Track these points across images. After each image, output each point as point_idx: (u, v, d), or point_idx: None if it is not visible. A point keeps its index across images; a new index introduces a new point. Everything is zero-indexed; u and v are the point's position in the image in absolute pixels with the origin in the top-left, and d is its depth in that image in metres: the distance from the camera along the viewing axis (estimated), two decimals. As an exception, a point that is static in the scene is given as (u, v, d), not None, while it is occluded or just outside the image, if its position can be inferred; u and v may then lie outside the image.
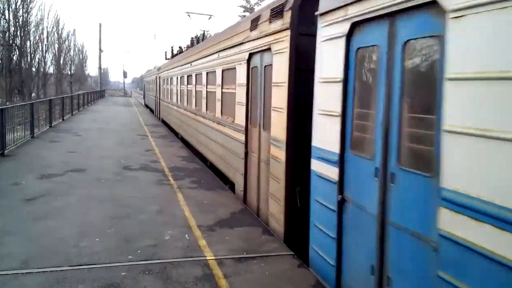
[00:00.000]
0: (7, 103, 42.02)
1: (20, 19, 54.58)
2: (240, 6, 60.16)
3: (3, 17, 50.23)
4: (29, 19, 56.87)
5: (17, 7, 53.34)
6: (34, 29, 60.13)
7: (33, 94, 61.46)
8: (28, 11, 56.05)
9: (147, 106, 38.33)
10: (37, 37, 62.75)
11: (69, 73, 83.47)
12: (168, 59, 24.66)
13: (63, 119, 20.43)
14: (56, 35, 72.76)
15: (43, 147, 12.44)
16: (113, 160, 10.73)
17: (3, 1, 49.32)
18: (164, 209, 6.77)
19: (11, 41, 50.47)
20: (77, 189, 7.67)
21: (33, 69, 62.49)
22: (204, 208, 6.93)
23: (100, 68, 59.41)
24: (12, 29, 52.66)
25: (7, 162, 9.94)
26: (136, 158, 11.26)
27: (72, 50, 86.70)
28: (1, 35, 49.04)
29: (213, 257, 4.92)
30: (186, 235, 5.63)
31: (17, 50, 53.63)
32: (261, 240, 5.63)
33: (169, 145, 14.37)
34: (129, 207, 6.77)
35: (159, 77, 25.71)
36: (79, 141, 14.01)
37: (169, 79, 19.69)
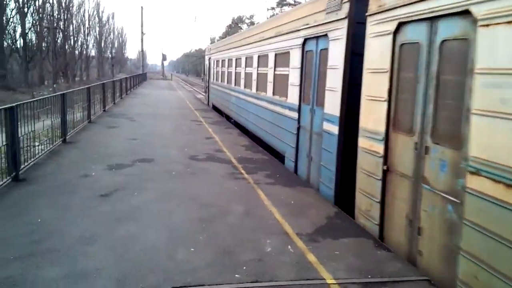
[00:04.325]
0: (54, 85, 42.96)
1: (63, 3, 55.51)
2: None
3: (48, 0, 51.14)
4: (71, 2, 57.83)
5: (60, -11, 54.03)
6: (76, 12, 61.21)
7: (76, 77, 62.99)
8: (70, -6, 56.84)
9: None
10: (79, 20, 63.96)
11: (109, 56, 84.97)
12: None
13: (114, 103, 20.20)
14: (96, 18, 74.05)
15: (103, 133, 12.03)
16: (176, 149, 10.11)
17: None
18: (251, 210, 6.00)
19: (55, 24, 51.44)
20: (151, 183, 7.05)
21: (76, 52, 63.90)
22: (293, 210, 6.12)
23: (142, 51, 59.65)
24: (55, 12, 53.69)
25: (71, 149, 9.51)
26: (198, 146, 10.61)
27: (112, 33, 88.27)
28: (47, 18, 49.92)
29: (334, 281, 4.08)
30: (289, 247, 4.82)
31: (60, 33, 54.74)
32: (377, 256, 4.73)
33: (226, 132, 13.67)
34: (212, 206, 6.05)
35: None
36: (136, 127, 13.55)
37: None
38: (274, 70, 9.84)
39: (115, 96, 20.98)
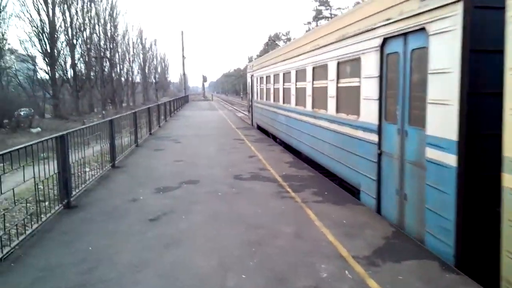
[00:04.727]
0: (103, 112, 45.14)
1: (109, 33, 58.78)
2: None
3: (94, 31, 54.38)
4: (116, 32, 61.11)
5: (105, 21, 57.39)
6: (121, 41, 64.51)
7: (123, 103, 66.00)
8: (115, 25, 60.21)
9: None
10: (124, 48, 67.30)
11: (153, 81, 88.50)
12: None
13: (159, 126, 20.72)
14: (140, 45, 77.65)
15: (149, 156, 12.25)
16: (221, 169, 10.04)
17: (93, 17, 53.28)
18: (301, 231, 5.70)
19: (102, 54, 54.45)
20: (197, 205, 6.95)
21: (122, 79, 67.15)
22: (347, 230, 5.74)
23: (184, 74, 61.54)
24: (102, 42, 56.91)
25: (119, 174, 9.70)
26: (242, 165, 10.48)
27: (155, 59, 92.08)
28: (94, 48, 52.93)
29: (401, 310, 3.69)
30: (346, 272, 4.47)
31: (107, 61, 57.83)
32: (446, 280, 4.27)
33: (269, 149, 13.47)
34: (260, 228, 5.82)
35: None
36: (181, 148, 13.71)
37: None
38: (337, 82, 8.26)
39: (160, 119, 21.54)
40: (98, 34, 55.61)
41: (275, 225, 5.97)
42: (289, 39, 70.23)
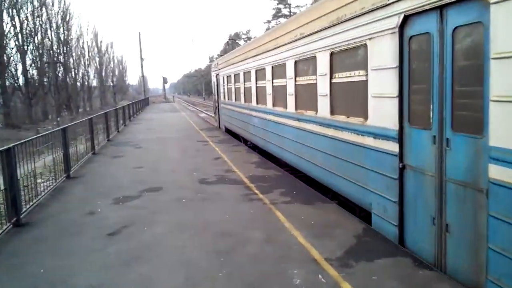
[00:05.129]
0: (58, 119, 43.04)
1: (62, 37, 56.19)
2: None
3: (46, 36, 51.79)
4: (70, 36, 58.53)
5: (58, 25, 54.85)
6: (75, 44, 61.92)
7: (80, 109, 63.31)
8: (68, 28, 57.69)
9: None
10: (79, 52, 64.64)
11: (111, 84, 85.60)
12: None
13: (118, 131, 19.90)
14: (96, 49, 74.83)
15: (108, 163, 11.63)
16: (185, 173, 9.66)
17: (45, 22, 50.84)
18: (271, 236, 5.49)
19: (55, 59, 51.98)
20: (160, 215, 6.57)
21: (78, 83, 64.35)
22: (317, 231, 5.59)
23: (143, 76, 59.98)
24: (55, 46, 54.32)
25: (75, 185, 9.08)
26: (207, 168, 10.14)
27: (112, 62, 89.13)
28: (47, 53, 50.48)
29: (379, 314, 3.55)
30: (320, 276, 4.29)
31: (61, 66, 55.26)
32: (421, 278, 4.19)
33: (234, 150, 13.22)
34: (229, 236, 5.55)
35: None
36: (142, 153, 13.14)
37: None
38: (331, 77, 6.77)
39: (119, 124, 20.71)
40: (51, 39, 53.06)
41: (244, 231, 5.72)
42: (249, 38, 70.19)
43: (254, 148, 13.35)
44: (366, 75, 5.60)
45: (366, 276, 4.25)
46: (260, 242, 5.28)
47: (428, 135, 4.41)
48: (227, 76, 17.41)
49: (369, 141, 5.62)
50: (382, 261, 4.60)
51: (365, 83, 5.64)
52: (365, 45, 5.56)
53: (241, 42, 64.80)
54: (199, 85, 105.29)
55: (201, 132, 18.88)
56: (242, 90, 14.22)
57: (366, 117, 5.67)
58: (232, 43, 64.15)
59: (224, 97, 18.58)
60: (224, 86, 18.52)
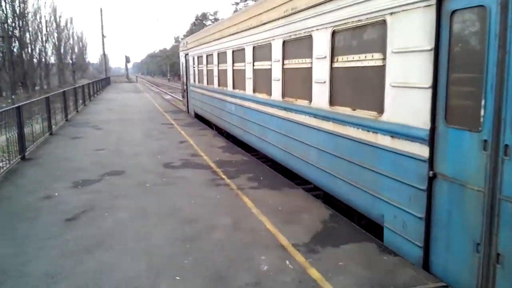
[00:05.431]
0: (13, 96, 40.66)
1: (17, 10, 52.75)
2: None
3: (0, 8, 48.43)
4: (26, 9, 55.05)
5: (13, -3, 51.36)
6: (32, 18, 58.37)
7: (36, 86, 60.10)
8: (25, 1, 54.16)
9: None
10: (36, 27, 61.03)
11: (70, 62, 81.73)
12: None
13: (77, 111, 19.03)
14: (54, 24, 70.89)
15: (66, 145, 11.07)
16: (148, 157, 9.37)
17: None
18: (239, 222, 5.41)
19: (10, 33, 48.78)
20: (123, 200, 6.32)
21: (35, 60, 60.95)
22: (285, 217, 5.57)
23: (104, 54, 57.59)
24: (10, 20, 50.92)
25: (31, 167, 8.57)
26: (173, 152, 9.89)
27: (71, 39, 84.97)
28: (1, 26, 47.28)
29: (346, 301, 3.57)
30: (287, 262, 4.27)
31: (17, 41, 52.05)
32: (385, 263, 4.26)
33: (201, 134, 12.98)
34: (195, 222, 5.42)
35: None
36: (103, 135, 12.62)
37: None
38: (332, 61, 5.74)
39: (78, 103, 19.80)
40: (5, 12, 49.60)
41: (211, 216, 5.61)
42: (216, 19, 68.79)
43: (222, 133, 13.15)
44: (383, 59, 4.58)
45: (332, 262, 4.27)
46: (227, 228, 5.19)
47: (475, 138, 3.46)
48: (198, 57, 15.88)
49: (384, 140, 4.63)
50: (348, 247, 4.65)
51: (381, 69, 4.64)
52: (383, 22, 4.54)
53: (208, 23, 63.46)
54: (164, 65, 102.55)
55: (166, 115, 18.41)
56: (216, 73, 13.02)
57: (380, 110, 4.66)
58: (199, 23, 62.70)
59: (194, 80, 17.04)
60: (194, 67, 17.00)
